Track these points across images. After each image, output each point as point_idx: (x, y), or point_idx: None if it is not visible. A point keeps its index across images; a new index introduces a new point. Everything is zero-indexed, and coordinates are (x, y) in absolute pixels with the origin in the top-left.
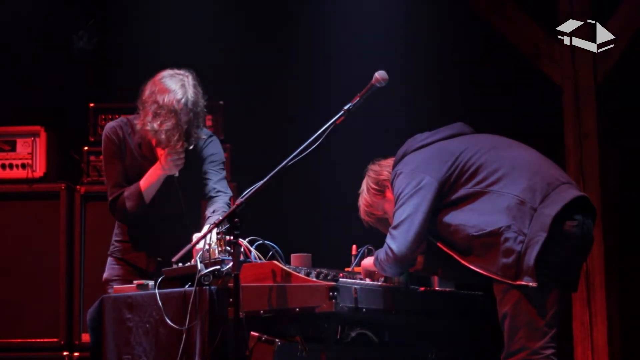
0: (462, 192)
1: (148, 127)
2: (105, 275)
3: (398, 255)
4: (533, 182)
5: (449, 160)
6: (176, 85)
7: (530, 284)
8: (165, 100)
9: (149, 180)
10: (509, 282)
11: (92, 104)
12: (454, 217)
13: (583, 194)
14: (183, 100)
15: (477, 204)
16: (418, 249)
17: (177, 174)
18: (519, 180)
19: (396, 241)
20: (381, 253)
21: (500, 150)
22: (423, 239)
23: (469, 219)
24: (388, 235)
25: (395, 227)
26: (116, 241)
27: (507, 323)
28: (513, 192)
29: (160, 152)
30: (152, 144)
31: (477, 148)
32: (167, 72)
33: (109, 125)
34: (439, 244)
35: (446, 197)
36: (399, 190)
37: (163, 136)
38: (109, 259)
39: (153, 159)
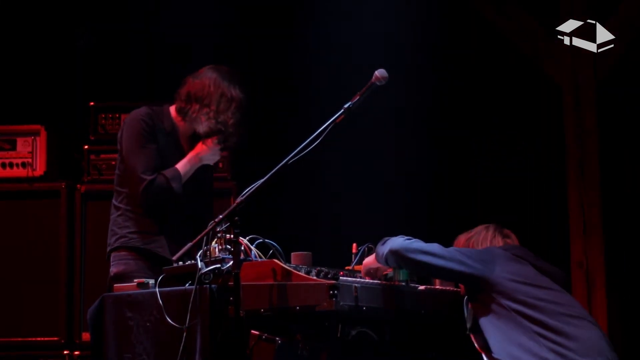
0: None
1: (216, 119)
2: (118, 269)
3: (396, 249)
4: None
5: None
6: (237, 81)
7: None
8: (234, 94)
9: (186, 168)
10: None
11: (92, 103)
12: None
13: None
14: (245, 96)
15: None
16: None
17: (212, 164)
18: None
19: (413, 243)
20: (393, 239)
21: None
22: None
23: None
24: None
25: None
26: (131, 233)
27: None
28: None
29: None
30: (187, 133)
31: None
32: (221, 67)
33: (139, 111)
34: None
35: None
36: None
37: (231, 129)
38: (119, 253)
39: (183, 149)
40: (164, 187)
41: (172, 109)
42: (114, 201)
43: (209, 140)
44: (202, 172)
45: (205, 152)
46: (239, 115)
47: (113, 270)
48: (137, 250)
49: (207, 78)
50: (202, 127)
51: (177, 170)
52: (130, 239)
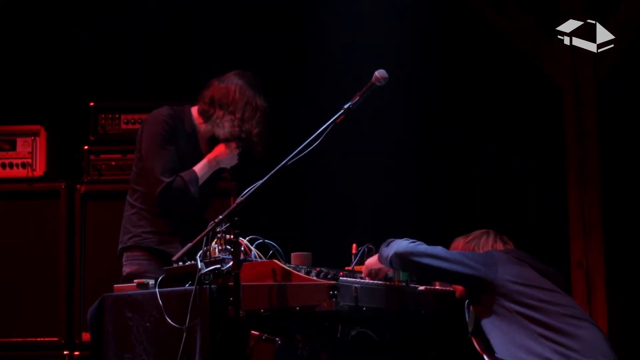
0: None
1: (240, 127)
2: (131, 269)
3: (401, 252)
4: None
5: None
6: (261, 89)
7: None
8: (259, 102)
9: (204, 171)
10: None
11: (92, 103)
12: None
13: None
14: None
15: None
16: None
17: (228, 168)
18: None
19: (417, 246)
20: (398, 242)
21: None
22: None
23: None
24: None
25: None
26: (145, 232)
27: None
28: None
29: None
30: (206, 135)
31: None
32: (247, 73)
33: (160, 112)
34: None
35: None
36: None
37: (255, 138)
38: (133, 253)
39: (201, 150)
40: (181, 190)
41: (194, 110)
42: (128, 198)
43: (231, 144)
44: (216, 173)
45: (224, 156)
46: (263, 125)
47: (126, 270)
48: (150, 251)
49: (232, 84)
50: (223, 133)
51: (194, 172)
52: (144, 238)
